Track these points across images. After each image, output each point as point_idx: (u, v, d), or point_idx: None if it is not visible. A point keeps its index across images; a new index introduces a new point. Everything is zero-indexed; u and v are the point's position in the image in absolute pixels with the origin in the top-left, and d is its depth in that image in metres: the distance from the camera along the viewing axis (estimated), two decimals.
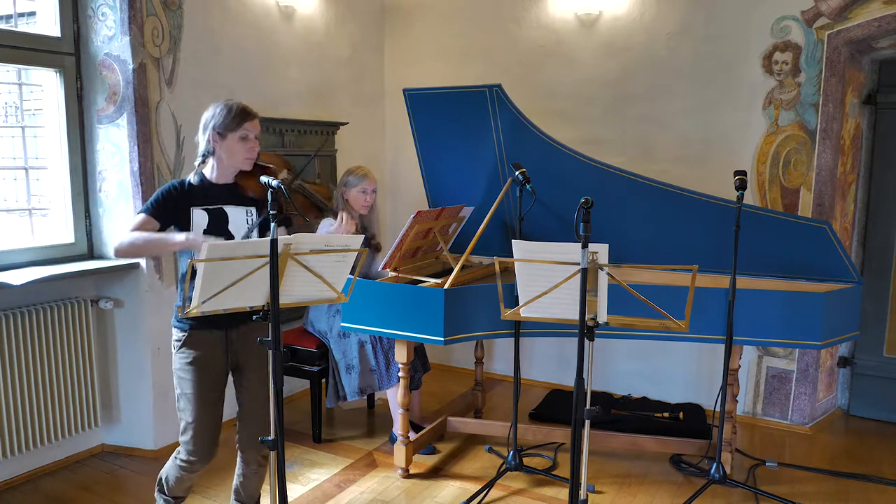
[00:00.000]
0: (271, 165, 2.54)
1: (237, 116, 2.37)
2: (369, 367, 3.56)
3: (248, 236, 2.43)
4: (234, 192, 2.46)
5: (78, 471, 3.38)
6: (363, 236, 2.30)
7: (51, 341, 3.24)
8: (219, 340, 2.42)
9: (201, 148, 2.44)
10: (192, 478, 2.53)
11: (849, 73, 3.76)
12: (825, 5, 3.64)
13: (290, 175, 2.47)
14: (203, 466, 2.49)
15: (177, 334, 2.42)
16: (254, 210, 2.48)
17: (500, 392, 4.56)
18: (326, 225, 3.57)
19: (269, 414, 2.54)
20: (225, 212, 2.42)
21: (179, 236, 2.29)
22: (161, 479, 2.57)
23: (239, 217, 2.44)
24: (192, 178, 2.46)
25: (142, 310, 3.45)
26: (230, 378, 2.55)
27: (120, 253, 2.32)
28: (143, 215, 2.36)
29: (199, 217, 2.39)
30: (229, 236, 2.41)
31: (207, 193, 2.42)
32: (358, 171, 3.61)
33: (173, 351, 2.44)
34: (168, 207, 2.38)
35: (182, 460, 2.47)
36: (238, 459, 2.63)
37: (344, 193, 3.61)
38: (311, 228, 3.66)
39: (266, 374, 2.51)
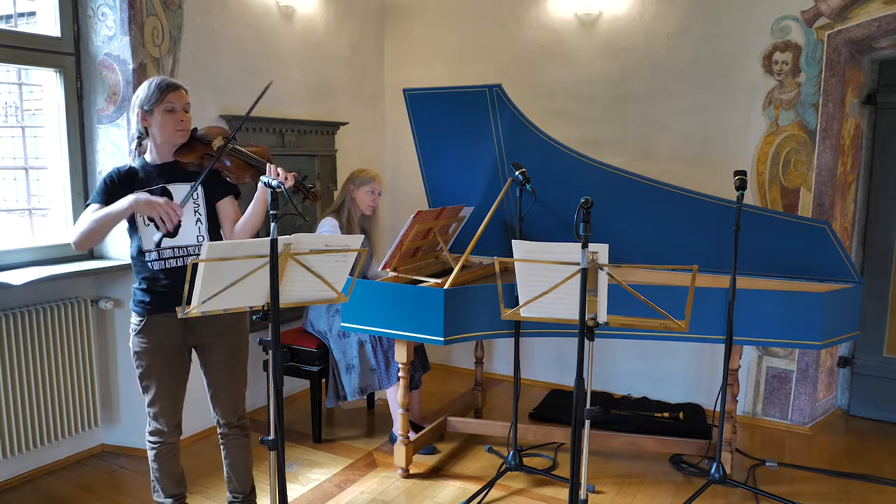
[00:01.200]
0: (207, 135, 2.51)
1: (158, 89, 2.37)
2: (369, 366, 3.56)
3: (195, 209, 2.44)
4: (176, 169, 2.46)
5: (78, 471, 3.38)
6: (363, 236, 2.30)
7: (51, 341, 3.24)
8: (178, 323, 2.43)
9: (133, 129, 2.45)
10: (167, 455, 2.56)
11: (849, 73, 3.76)
12: (825, 5, 3.64)
13: (225, 140, 2.46)
14: (170, 439, 2.54)
15: (134, 318, 2.46)
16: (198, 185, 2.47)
17: (500, 392, 4.56)
18: (326, 224, 3.58)
19: (241, 384, 2.62)
20: (168, 190, 2.43)
21: (123, 201, 2.30)
22: (152, 479, 2.61)
23: (183, 193, 2.43)
24: (132, 163, 2.48)
25: None
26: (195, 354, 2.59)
27: (78, 245, 2.35)
28: (93, 205, 2.38)
29: None
30: None
31: (149, 175, 2.43)
32: (368, 173, 3.65)
33: (131, 334, 2.47)
34: (114, 193, 2.38)
35: (149, 434, 2.54)
36: (219, 439, 2.66)
37: (351, 191, 3.62)
38: (312, 229, 3.67)
39: (232, 349, 2.57)
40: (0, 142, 3.54)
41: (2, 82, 3.54)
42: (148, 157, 2.47)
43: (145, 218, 2.39)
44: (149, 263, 2.42)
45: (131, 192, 2.37)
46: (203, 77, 3.63)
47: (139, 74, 3.31)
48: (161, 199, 2.30)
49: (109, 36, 3.31)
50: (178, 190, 2.44)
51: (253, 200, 2.46)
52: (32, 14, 3.36)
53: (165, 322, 2.42)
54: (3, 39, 3.08)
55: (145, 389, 2.50)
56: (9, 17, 3.25)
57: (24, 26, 3.35)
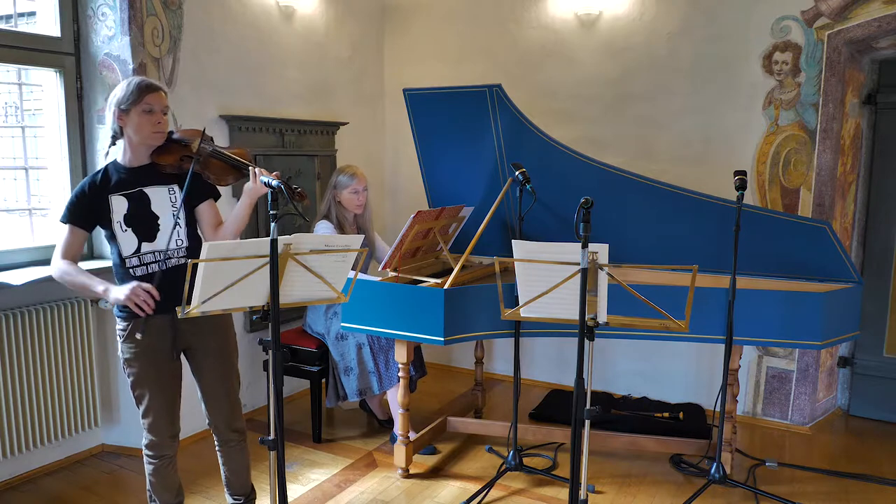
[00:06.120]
0: (184, 137, 2.47)
1: (137, 90, 2.31)
2: (367, 369, 3.56)
3: (176, 217, 2.40)
4: (152, 171, 2.41)
5: (78, 471, 3.38)
6: (363, 236, 2.30)
7: (51, 341, 3.24)
8: (166, 326, 2.41)
9: (108, 128, 2.40)
10: (164, 470, 2.52)
11: (849, 73, 3.76)
12: (825, 5, 3.64)
13: (205, 142, 2.43)
14: (167, 451, 2.50)
15: (120, 324, 2.42)
16: (176, 187, 2.43)
17: (500, 392, 4.56)
18: (322, 228, 3.57)
19: (234, 388, 2.58)
20: (145, 193, 2.38)
21: (100, 287, 2.30)
22: (147, 488, 2.57)
23: (161, 197, 2.40)
24: (106, 167, 2.42)
25: None
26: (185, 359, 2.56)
27: (56, 280, 2.35)
28: (66, 227, 2.35)
29: (118, 203, 2.36)
30: (153, 217, 2.38)
31: (124, 179, 2.38)
32: (347, 171, 3.60)
33: (119, 340, 2.43)
34: (84, 208, 2.35)
35: (146, 447, 2.50)
36: (216, 446, 2.64)
37: (336, 196, 3.60)
38: (310, 229, 3.66)
39: (223, 350, 2.53)
40: (0, 142, 3.54)
41: (2, 82, 3.54)
42: (121, 159, 2.41)
43: (122, 224, 2.35)
44: (130, 269, 2.38)
45: (104, 200, 2.34)
46: (203, 77, 3.63)
47: (139, 74, 3.30)
48: (135, 288, 2.25)
49: (109, 36, 3.31)
50: (155, 193, 2.39)
51: (239, 203, 2.42)
52: (32, 14, 3.36)
53: (150, 325, 2.37)
54: (3, 39, 3.08)
55: (139, 399, 2.45)
56: (9, 17, 3.25)
57: (24, 26, 3.35)
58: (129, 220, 2.36)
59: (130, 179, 2.38)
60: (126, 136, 2.38)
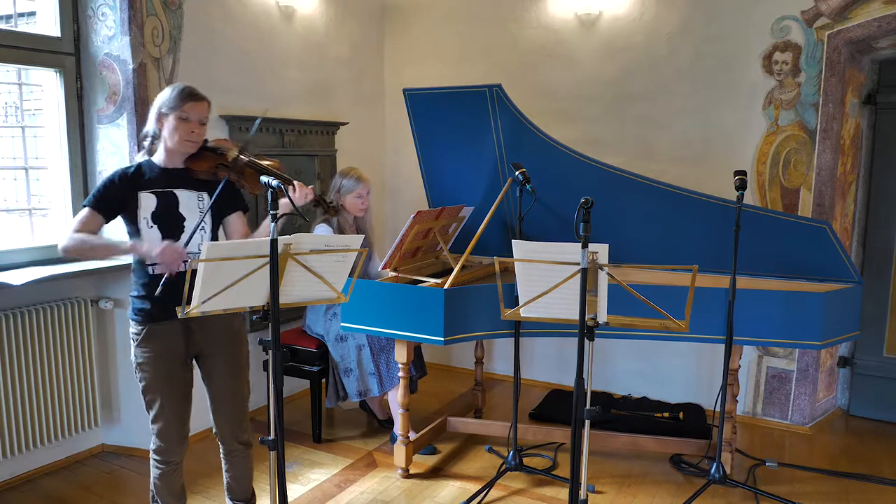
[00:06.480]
0: (220, 147, 2.48)
1: (179, 97, 2.33)
2: (367, 370, 3.56)
3: (201, 221, 2.41)
4: (185, 176, 2.42)
5: (78, 471, 3.38)
6: (363, 236, 2.30)
7: (51, 341, 3.24)
8: (179, 331, 2.41)
9: (147, 127, 2.41)
10: (171, 476, 2.51)
11: (849, 73, 3.76)
12: (825, 5, 3.64)
13: (239, 152, 2.45)
14: (175, 457, 2.49)
15: (134, 327, 2.41)
16: (205, 194, 2.44)
17: (500, 392, 4.56)
18: (321, 229, 3.57)
19: (243, 398, 2.57)
20: (175, 194, 2.39)
21: (126, 244, 2.29)
22: (151, 489, 2.57)
23: (190, 200, 2.41)
24: (139, 162, 2.44)
25: None
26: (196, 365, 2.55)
27: (66, 253, 2.31)
28: (86, 210, 2.33)
29: (147, 200, 2.36)
30: (179, 218, 2.39)
31: (156, 178, 2.39)
32: (352, 174, 3.59)
33: (132, 343, 2.42)
34: (111, 198, 2.35)
35: (154, 452, 2.48)
36: (221, 452, 2.63)
37: (339, 199, 3.59)
38: (310, 229, 3.66)
39: (235, 359, 2.53)
40: (0, 142, 3.54)
41: (2, 82, 3.54)
42: (156, 159, 2.43)
43: (149, 221, 2.35)
44: (150, 267, 2.37)
45: (134, 194, 2.34)
46: (203, 77, 3.62)
47: (139, 74, 3.31)
48: (166, 246, 2.25)
49: (109, 36, 3.31)
50: (185, 195, 2.40)
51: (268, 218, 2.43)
52: (32, 14, 3.36)
53: (166, 329, 2.38)
54: (3, 39, 3.08)
55: (149, 405, 2.44)
56: (9, 17, 3.25)
57: (24, 26, 3.35)
58: (155, 217, 2.36)
59: (162, 179, 2.39)
60: (162, 139, 2.40)
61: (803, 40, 3.72)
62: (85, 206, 2.35)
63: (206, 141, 2.46)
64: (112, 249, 2.32)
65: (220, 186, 2.38)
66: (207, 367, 2.53)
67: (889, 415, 4.06)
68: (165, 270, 2.28)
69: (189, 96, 2.34)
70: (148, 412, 2.46)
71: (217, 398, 2.55)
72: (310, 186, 2.39)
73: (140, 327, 2.39)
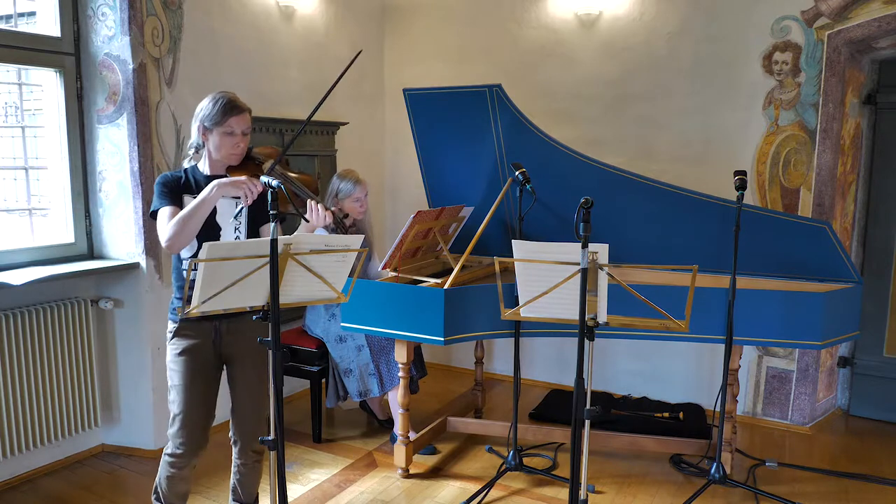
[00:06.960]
0: (261, 159, 2.51)
1: (221, 111, 2.34)
2: (367, 371, 3.56)
3: (237, 229, 2.43)
4: None
5: (78, 471, 3.38)
6: (363, 236, 2.30)
7: (51, 341, 3.24)
8: (209, 332, 2.42)
9: (193, 139, 2.44)
10: (182, 477, 2.50)
11: (849, 73, 3.76)
12: (825, 5, 3.64)
13: (278, 164, 2.47)
14: (190, 461, 2.47)
15: (170, 325, 2.45)
16: (241, 202, 2.44)
17: (500, 392, 4.56)
18: (321, 230, 3.56)
19: (264, 408, 2.55)
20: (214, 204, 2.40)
21: (207, 189, 2.28)
22: (156, 486, 2.55)
23: (227, 209, 2.42)
24: (186, 167, 2.46)
25: (142, 310, 3.45)
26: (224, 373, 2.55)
27: (171, 247, 2.31)
28: (165, 209, 2.34)
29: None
30: (215, 226, 2.40)
31: (198, 185, 2.41)
32: (349, 177, 3.58)
33: (167, 342, 2.46)
34: (172, 189, 2.38)
35: (169, 454, 2.47)
36: (233, 455, 2.62)
37: (336, 203, 3.59)
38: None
39: (261, 368, 2.51)
40: (0, 142, 3.54)
41: (2, 82, 3.54)
42: (201, 165, 2.45)
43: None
44: (186, 271, 2.38)
45: (180, 196, 2.37)
46: (203, 77, 3.62)
47: (139, 74, 3.31)
48: (241, 177, 2.29)
49: (109, 36, 3.31)
50: (224, 204, 2.41)
51: (297, 230, 2.43)
52: (32, 14, 3.36)
53: (197, 328, 2.40)
54: (3, 39, 3.08)
55: (174, 406, 2.43)
56: (9, 17, 3.25)
57: (24, 26, 3.35)
58: None
59: (203, 186, 2.39)
60: (206, 150, 2.42)
61: (803, 40, 3.72)
62: (161, 208, 2.34)
63: (250, 149, 2.49)
64: (201, 205, 2.29)
65: (268, 205, 2.37)
66: (233, 371, 2.53)
67: (889, 415, 4.06)
68: (245, 202, 2.31)
69: (231, 109, 2.35)
70: (171, 412, 2.45)
71: (238, 404, 2.55)
72: (329, 209, 2.38)
73: (174, 325, 2.43)
